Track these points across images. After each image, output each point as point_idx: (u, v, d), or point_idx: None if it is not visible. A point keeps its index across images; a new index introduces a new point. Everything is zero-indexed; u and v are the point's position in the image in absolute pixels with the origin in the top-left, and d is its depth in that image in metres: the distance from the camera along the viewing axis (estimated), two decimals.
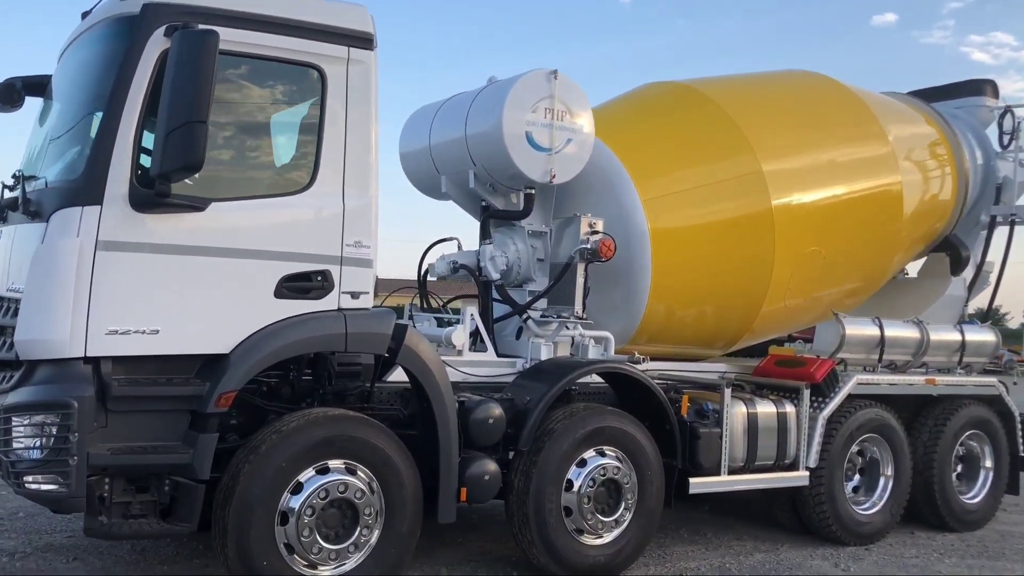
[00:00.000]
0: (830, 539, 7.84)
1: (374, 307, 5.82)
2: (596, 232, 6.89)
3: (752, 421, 7.33)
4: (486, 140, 6.80)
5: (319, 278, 5.43)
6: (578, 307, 6.90)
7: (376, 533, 5.52)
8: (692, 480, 6.96)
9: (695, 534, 8.04)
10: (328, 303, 5.47)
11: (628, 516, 6.56)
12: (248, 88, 5.42)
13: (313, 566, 5.33)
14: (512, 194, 7.26)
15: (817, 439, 7.61)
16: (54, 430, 4.72)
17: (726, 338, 8.20)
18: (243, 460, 5.20)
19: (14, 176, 5.43)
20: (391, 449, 5.56)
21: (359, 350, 5.75)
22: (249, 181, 5.48)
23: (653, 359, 7.39)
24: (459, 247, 7.63)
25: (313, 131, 5.49)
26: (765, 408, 7.46)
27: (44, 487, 4.75)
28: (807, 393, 7.63)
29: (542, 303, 7.14)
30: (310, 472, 5.31)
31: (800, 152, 8.09)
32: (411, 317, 7.66)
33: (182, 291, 5.07)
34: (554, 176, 6.86)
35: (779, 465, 7.53)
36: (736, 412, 7.24)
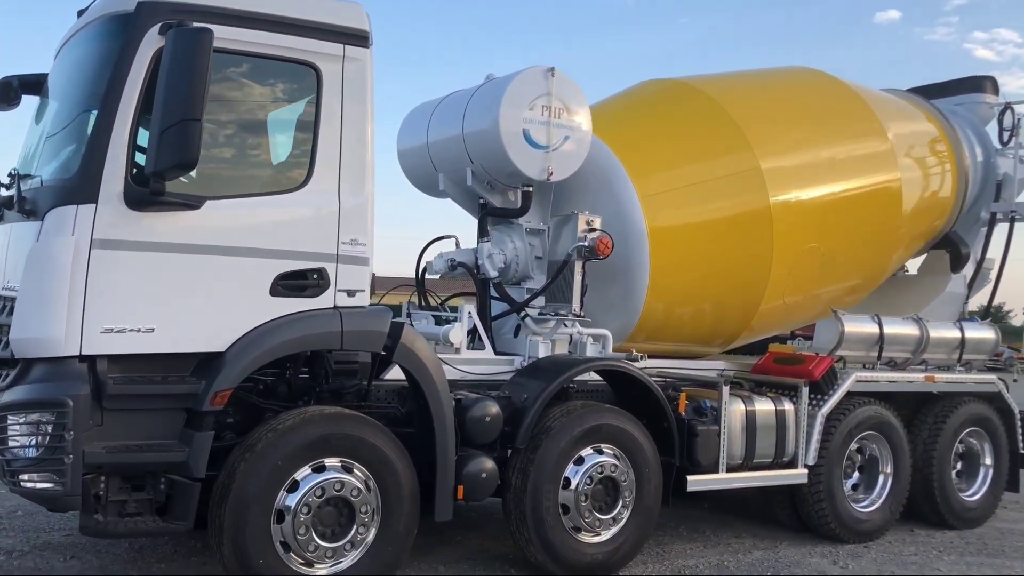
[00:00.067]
0: (829, 537, 7.83)
1: (371, 305, 5.82)
2: (594, 230, 6.87)
3: (750, 419, 7.32)
4: (483, 138, 6.79)
5: (315, 276, 5.43)
6: (576, 305, 6.89)
7: (373, 531, 5.52)
8: (690, 478, 6.96)
9: (694, 532, 8.03)
10: (324, 301, 5.46)
11: (626, 514, 6.55)
12: (243, 86, 5.41)
13: (309, 564, 5.32)
14: (510, 192, 7.26)
15: (816, 437, 7.60)
16: (49, 428, 4.72)
17: (725, 336, 8.19)
18: (239, 458, 5.20)
19: (10, 174, 5.43)
20: (388, 447, 5.55)
21: (355, 348, 5.74)
22: (245, 179, 5.48)
23: (652, 357, 7.37)
24: (457, 245, 7.64)
25: (309, 129, 5.48)
26: (763, 406, 7.45)
27: (40, 485, 4.75)
28: (805, 391, 7.62)
29: (540, 301, 7.14)
30: (306, 470, 5.30)
31: (798, 149, 8.08)
32: (409, 315, 7.66)
33: (177, 289, 5.07)
34: (552, 174, 6.85)
35: (778, 463, 7.52)
36: (734, 410, 7.23)
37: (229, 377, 5.12)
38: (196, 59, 4.67)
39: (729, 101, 7.99)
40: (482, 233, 7.36)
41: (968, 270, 9.70)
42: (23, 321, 4.85)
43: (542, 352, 6.94)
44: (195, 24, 4.83)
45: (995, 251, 9.82)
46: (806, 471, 7.59)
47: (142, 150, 4.96)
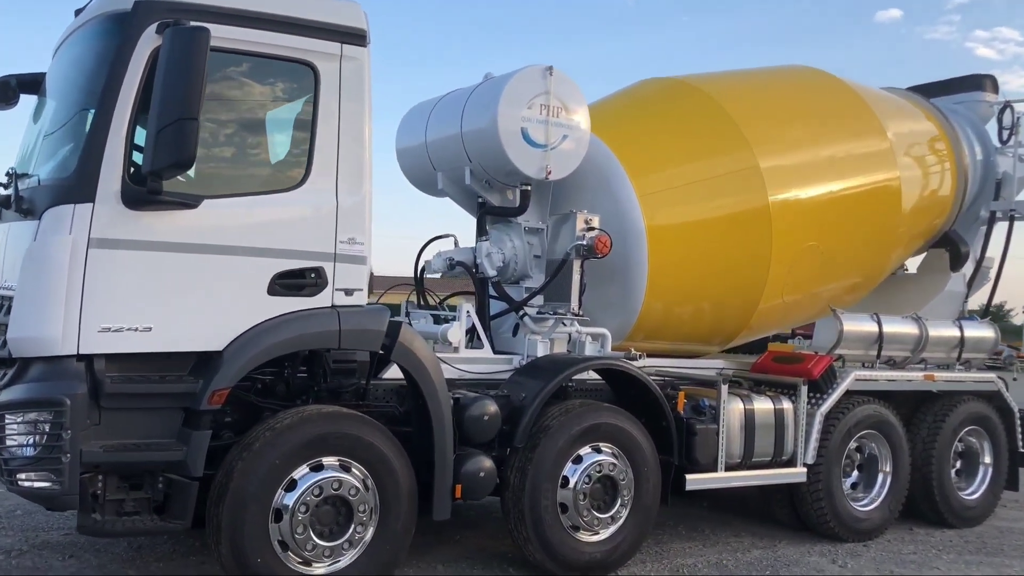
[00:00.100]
0: (828, 535, 7.83)
1: (369, 304, 5.82)
2: (592, 228, 6.87)
3: (749, 417, 7.32)
4: (482, 136, 6.79)
5: (313, 275, 5.43)
6: (574, 304, 6.88)
7: (371, 530, 5.52)
8: (689, 477, 6.96)
9: (693, 531, 8.03)
10: (322, 300, 5.46)
11: (624, 513, 6.55)
12: (240, 85, 5.41)
13: (307, 563, 5.32)
14: (508, 191, 7.26)
15: (815, 435, 7.61)
16: (47, 427, 4.72)
17: (724, 334, 8.19)
18: (237, 457, 5.20)
19: (7, 174, 5.43)
20: (386, 446, 5.55)
21: (353, 347, 5.74)
22: (242, 178, 5.47)
23: (651, 356, 7.39)
24: (456, 244, 7.63)
25: (306, 128, 5.47)
26: (762, 404, 7.45)
27: (37, 484, 4.75)
28: (804, 389, 7.62)
29: (539, 300, 7.13)
30: (304, 469, 5.30)
31: (797, 148, 8.07)
32: (408, 314, 7.66)
33: (175, 288, 5.06)
34: (550, 172, 6.85)
35: (776, 461, 7.52)
36: (733, 408, 7.23)
37: (227, 376, 5.12)
38: (193, 58, 4.66)
39: (728, 100, 7.98)
40: (481, 232, 7.36)
41: (967, 269, 9.68)
42: (20, 320, 4.85)
43: (541, 351, 6.94)
44: (192, 23, 4.82)
45: (995, 250, 9.82)
46: (805, 470, 7.59)
47: (139, 149, 4.97)
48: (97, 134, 4.91)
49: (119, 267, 4.91)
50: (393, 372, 6.03)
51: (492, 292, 7.23)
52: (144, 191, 4.84)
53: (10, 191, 5.28)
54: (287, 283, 5.35)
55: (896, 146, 8.59)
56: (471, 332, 6.95)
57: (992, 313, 10.27)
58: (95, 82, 5.05)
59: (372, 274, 5.89)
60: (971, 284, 9.75)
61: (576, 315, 6.93)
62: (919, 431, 8.51)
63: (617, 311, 7.37)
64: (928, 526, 8.55)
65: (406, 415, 6.11)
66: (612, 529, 6.52)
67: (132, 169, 4.96)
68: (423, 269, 7.78)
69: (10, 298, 4.99)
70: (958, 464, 8.84)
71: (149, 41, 4.95)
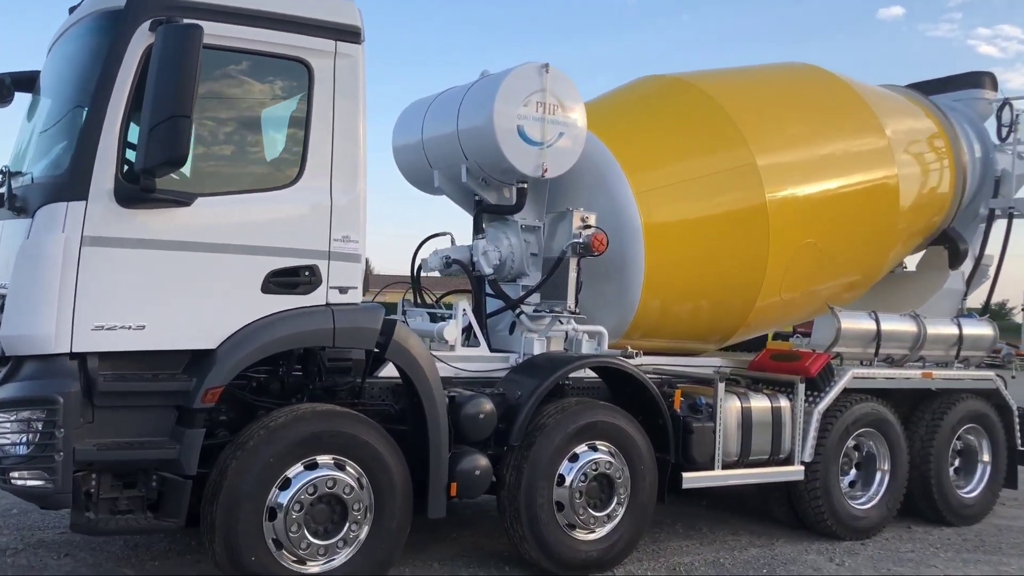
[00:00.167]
0: (826, 534, 7.81)
1: (364, 302, 5.81)
2: (589, 226, 6.84)
3: (746, 415, 7.30)
4: (478, 134, 6.78)
5: (307, 273, 5.41)
6: (570, 302, 6.86)
7: (365, 529, 5.51)
8: (685, 475, 6.94)
9: (690, 529, 8.01)
10: (316, 298, 5.45)
11: (620, 511, 6.54)
12: (234, 82, 5.39)
13: (302, 562, 5.31)
14: (505, 188, 7.24)
15: (812, 433, 7.59)
16: (40, 426, 4.71)
17: (721, 332, 8.17)
18: (231, 456, 5.19)
19: (1, 172, 5.42)
20: (380, 444, 5.54)
21: (347, 345, 5.72)
22: (236, 176, 5.45)
23: (648, 354, 7.37)
24: (452, 242, 7.64)
25: (300, 125, 5.46)
26: (759, 402, 7.43)
27: (30, 483, 4.74)
28: (802, 387, 7.60)
29: (535, 298, 7.12)
30: (298, 468, 5.29)
31: (795, 145, 8.05)
32: (404, 312, 7.66)
33: (168, 286, 5.05)
34: (546, 170, 6.83)
35: (774, 460, 7.50)
36: (730, 406, 7.22)
37: (220, 374, 5.10)
38: (186, 55, 4.65)
39: (725, 97, 7.96)
40: (477, 230, 7.34)
41: (966, 266, 9.67)
42: (13, 318, 4.84)
43: (537, 349, 6.92)
44: (185, 20, 4.81)
45: (994, 247, 9.81)
46: (802, 468, 7.58)
47: (133, 147, 4.94)
48: (90, 132, 4.90)
49: (112, 265, 4.90)
50: (389, 370, 6.03)
51: (488, 290, 7.21)
52: (137, 189, 4.83)
53: (3, 189, 5.28)
54: (281, 281, 5.34)
55: (894, 143, 8.57)
56: (467, 330, 6.94)
57: (993, 311, 10.25)
58: (88, 79, 5.04)
59: (370, 272, 5.87)
60: (970, 282, 9.74)
61: (573, 313, 6.91)
62: (917, 429, 8.50)
63: (614, 309, 7.35)
64: (926, 524, 8.53)
65: (401, 413, 6.10)
66: (608, 527, 6.51)
67: (125, 167, 4.95)
68: (420, 267, 7.77)
69: (3, 296, 4.98)
70: (956, 462, 8.82)
71: (142, 38, 4.94)
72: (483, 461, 6.05)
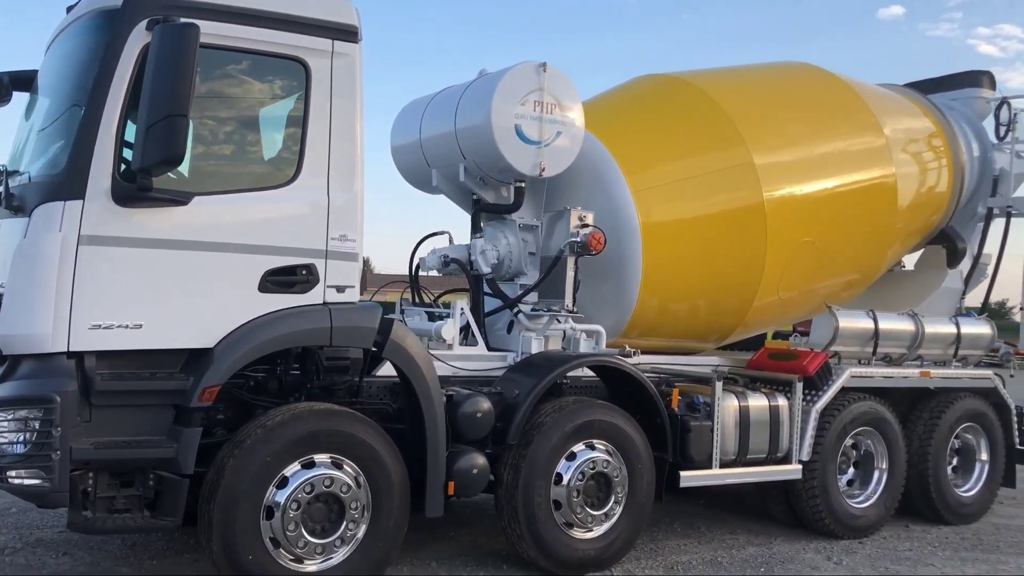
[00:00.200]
0: (824, 532, 7.82)
1: (362, 301, 5.81)
2: (586, 225, 6.85)
3: (744, 414, 7.31)
4: (475, 133, 6.78)
5: (304, 272, 5.42)
6: (568, 301, 6.87)
7: (363, 527, 5.51)
8: (683, 473, 6.95)
9: (688, 528, 8.02)
10: (313, 297, 5.45)
11: (618, 510, 6.54)
12: (231, 82, 5.40)
13: (299, 560, 5.31)
14: (503, 187, 7.24)
15: (810, 432, 7.59)
16: (37, 425, 4.71)
17: (719, 331, 8.17)
18: (228, 454, 5.19)
19: None
20: (378, 443, 5.54)
21: (345, 344, 5.72)
22: (233, 175, 5.46)
23: (646, 353, 7.37)
24: (450, 241, 7.64)
25: (298, 124, 5.46)
26: (757, 401, 7.43)
27: (27, 482, 4.75)
28: (799, 386, 7.61)
29: (533, 297, 7.13)
30: (295, 466, 5.29)
31: (793, 144, 8.05)
32: (403, 311, 7.66)
33: (166, 285, 5.06)
34: (544, 169, 6.84)
35: (772, 458, 7.51)
36: (727, 405, 7.22)
37: (217, 373, 5.11)
38: (182, 55, 4.65)
39: (723, 96, 7.96)
40: (475, 229, 7.34)
41: (964, 265, 9.67)
42: (10, 317, 4.85)
43: (535, 348, 6.93)
44: (181, 20, 4.81)
45: (992, 246, 9.81)
46: (800, 467, 7.58)
47: (130, 146, 4.95)
48: (87, 131, 4.90)
49: (109, 264, 4.91)
50: (386, 369, 6.03)
51: (486, 289, 7.22)
52: (134, 188, 4.83)
53: (0, 188, 5.27)
54: (278, 280, 5.34)
55: (893, 142, 8.57)
56: (465, 329, 6.94)
57: (992, 310, 10.25)
58: (85, 79, 5.04)
59: (368, 271, 5.88)
60: (968, 281, 9.75)
61: (570, 312, 6.91)
62: (915, 428, 8.50)
63: (612, 308, 7.36)
64: (924, 523, 8.53)
65: (399, 412, 6.10)
66: (606, 526, 6.51)
67: (122, 166, 4.95)
68: (418, 266, 7.77)
69: (0, 295, 4.98)
70: (954, 461, 8.82)
71: (139, 37, 4.94)
72: (481, 460, 6.05)
